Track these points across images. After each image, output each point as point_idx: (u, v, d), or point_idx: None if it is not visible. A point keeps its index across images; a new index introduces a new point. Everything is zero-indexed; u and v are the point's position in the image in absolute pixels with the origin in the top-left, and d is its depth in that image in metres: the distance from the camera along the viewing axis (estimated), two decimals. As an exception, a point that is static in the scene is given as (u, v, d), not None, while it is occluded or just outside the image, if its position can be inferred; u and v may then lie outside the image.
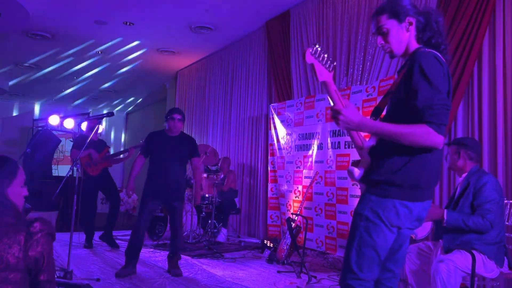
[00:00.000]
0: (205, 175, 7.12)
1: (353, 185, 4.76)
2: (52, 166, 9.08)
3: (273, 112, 6.20)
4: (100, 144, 5.84)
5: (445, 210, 2.80)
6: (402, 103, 1.77)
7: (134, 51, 8.64)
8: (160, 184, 4.21)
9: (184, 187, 4.49)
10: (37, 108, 13.73)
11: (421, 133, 1.67)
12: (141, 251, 4.31)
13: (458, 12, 4.08)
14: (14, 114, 13.36)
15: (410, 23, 1.88)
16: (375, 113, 1.95)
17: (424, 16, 1.89)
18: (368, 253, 1.79)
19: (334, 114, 1.71)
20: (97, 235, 5.86)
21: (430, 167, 1.80)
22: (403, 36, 1.90)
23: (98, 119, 5.06)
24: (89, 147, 5.67)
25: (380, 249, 1.80)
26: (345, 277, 1.82)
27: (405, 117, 1.73)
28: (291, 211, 5.55)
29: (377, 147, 1.85)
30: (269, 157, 6.33)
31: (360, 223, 1.81)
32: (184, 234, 6.09)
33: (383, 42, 1.91)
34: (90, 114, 10.29)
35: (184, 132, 4.64)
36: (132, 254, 4.17)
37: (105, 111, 11.28)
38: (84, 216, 5.67)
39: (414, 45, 1.91)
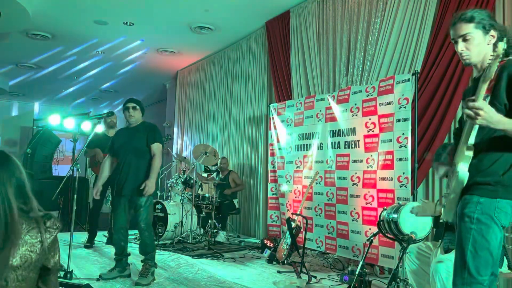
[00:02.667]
0: (205, 175, 7.12)
1: (353, 185, 4.76)
2: (52, 166, 9.09)
3: (273, 112, 6.20)
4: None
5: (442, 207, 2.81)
6: (496, 107, 1.82)
7: (134, 51, 8.64)
8: (117, 179, 4.01)
9: (141, 181, 3.94)
10: (37, 108, 13.73)
11: None
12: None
13: (458, 12, 4.07)
14: (14, 114, 13.37)
15: (493, 37, 1.97)
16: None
17: (503, 32, 2.00)
18: (484, 256, 1.82)
19: (475, 109, 1.71)
20: (98, 236, 5.87)
21: None
22: (484, 47, 1.98)
23: (99, 119, 5.07)
24: (98, 145, 5.72)
25: (494, 250, 1.84)
26: (464, 280, 1.85)
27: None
28: (291, 211, 5.55)
29: (482, 146, 1.89)
30: (269, 157, 6.33)
31: (472, 226, 1.84)
32: (184, 234, 6.09)
33: (464, 49, 1.99)
34: (91, 114, 10.28)
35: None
36: (116, 254, 4.08)
37: (105, 111, 11.31)
38: (89, 216, 5.72)
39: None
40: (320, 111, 5.35)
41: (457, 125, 4.14)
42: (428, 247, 2.96)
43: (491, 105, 1.85)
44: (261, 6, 6.39)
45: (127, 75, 10.37)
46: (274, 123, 6.17)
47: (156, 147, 4.03)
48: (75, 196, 4.07)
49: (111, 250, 5.49)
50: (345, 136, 4.94)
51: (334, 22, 5.69)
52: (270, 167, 6.26)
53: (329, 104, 5.19)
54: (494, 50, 1.97)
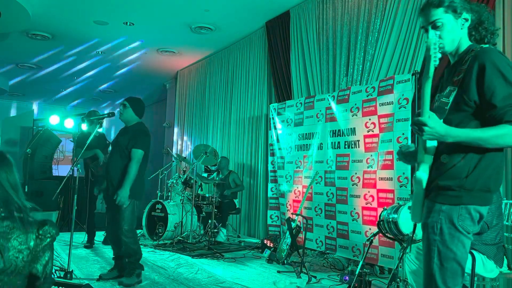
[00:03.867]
0: (205, 175, 7.12)
1: (353, 185, 4.76)
2: (52, 166, 9.09)
3: (273, 112, 6.20)
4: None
5: None
6: (464, 102, 1.71)
7: (134, 51, 8.64)
8: (106, 179, 3.98)
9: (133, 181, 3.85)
10: (36, 108, 13.73)
11: (505, 135, 1.61)
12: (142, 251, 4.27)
13: None
14: (14, 114, 13.37)
15: (466, 20, 1.81)
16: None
17: (478, 13, 1.82)
18: (451, 267, 1.71)
19: (418, 125, 1.64)
20: (97, 235, 5.87)
21: (499, 169, 1.73)
22: (458, 33, 1.81)
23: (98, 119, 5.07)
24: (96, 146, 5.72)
25: (463, 260, 1.73)
26: None
27: (468, 116, 1.70)
28: (291, 211, 5.55)
29: (442, 149, 1.75)
30: (269, 157, 6.33)
31: (435, 238, 1.72)
32: (184, 234, 6.09)
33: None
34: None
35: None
36: (114, 254, 4.05)
37: (106, 111, 11.31)
38: (87, 216, 5.72)
39: (466, 43, 1.83)
40: (320, 111, 5.35)
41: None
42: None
43: (459, 99, 1.71)
44: (261, 6, 6.39)
45: (127, 75, 10.37)
46: (274, 123, 6.17)
47: (134, 153, 3.82)
48: (76, 196, 4.07)
49: (110, 250, 5.51)
50: (345, 136, 4.94)
51: (334, 22, 5.69)
52: (270, 167, 6.27)
53: (329, 104, 5.19)
54: (471, 35, 1.83)
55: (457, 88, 1.71)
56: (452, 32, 1.80)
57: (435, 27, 1.79)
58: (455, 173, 1.70)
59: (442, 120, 1.71)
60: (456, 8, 1.78)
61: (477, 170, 1.69)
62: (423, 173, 1.74)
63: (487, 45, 1.78)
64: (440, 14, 1.78)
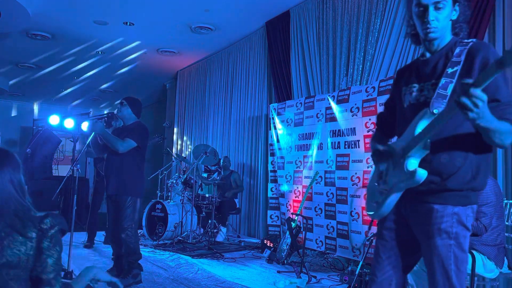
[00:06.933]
0: (205, 175, 7.12)
1: (353, 185, 4.76)
2: (52, 166, 9.09)
3: (273, 112, 6.20)
4: None
5: None
6: None
7: (134, 51, 8.64)
8: (105, 177, 4.00)
9: (123, 179, 3.83)
10: (36, 108, 13.73)
11: (508, 132, 1.52)
12: (141, 251, 4.28)
13: (458, 12, 4.08)
14: (14, 114, 13.36)
15: (456, 12, 1.75)
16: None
17: (463, 9, 1.76)
18: (465, 269, 1.68)
19: (475, 99, 1.38)
20: (98, 235, 5.88)
21: (489, 167, 1.72)
22: (448, 22, 1.74)
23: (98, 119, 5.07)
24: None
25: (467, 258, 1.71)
26: None
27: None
28: (291, 211, 5.55)
29: (443, 144, 1.66)
30: (269, 157, 6.33)
31: (451, 242, 1.64)
32: (184, 234, 6.09)
33: (434, 19, 1.69)
34: (91, 114, 10.29)
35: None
36: (113, 254, 4.05)
37: (105, 111, 11.28)
38: (89, 215, 5.75)
39: (449, 35, 1.78)
40: (320, 111, 5.35)
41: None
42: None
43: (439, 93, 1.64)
44: (261, 6, 6.39)
45: (127, 75, 10.36)
46: (274, 123, 6.17)
47: (126, 140, 3.81)
48: (75, 196, 4.07)
49: (110, 250, 5.50)
50: (345, 136, 4.94)
51: (334, 22, 5.69)
52: (270, 167, 6.27)
53: (329, 104, 5.19)
54: (455, 29, 1.75)
55: (455, 80, 1.64)
56: (446, 20, 1.73)
57: (437, 8, 1.69)
58: (463, 174, 1.64)
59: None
60: None
61: (481, 170, 1.66)
62: (424, 170, 1.63)
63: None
64: None
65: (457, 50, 1.69)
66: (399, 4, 4.77)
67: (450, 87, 1.63)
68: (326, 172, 5.15)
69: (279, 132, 6.05)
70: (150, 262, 4.81)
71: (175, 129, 10.24)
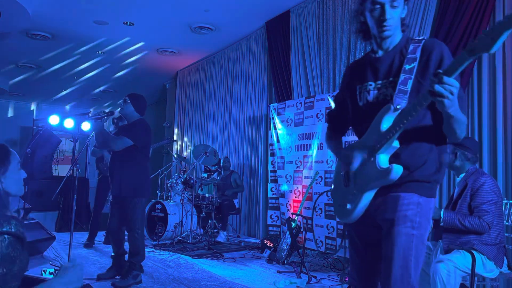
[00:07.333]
0: (205, 175, 7.11)
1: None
2: (52, 166, 9.08)
3: (273, 112, 6.20)
4: None
5: (442, 209, 2.82)
6: (423, 89, 1.62)
7: (134, 51, 8.64)
8: (109, 177, 3.95)
9: (125, 179, 3.79)
10: (36, 108, 13.73)
11: (465, 123, 1.56)
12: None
13: (458, 12, 4.08)
14: (14, 114, 13.36)
15: (405, 9, 1.75)
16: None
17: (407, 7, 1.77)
18: (421, 264, 1.63)
19: (450, 87, 1.40)
20: (98, 236, 5.88)
21: (447, 160, 1.73)
22: (399, 21, 1.75)
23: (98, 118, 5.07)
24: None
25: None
26: None
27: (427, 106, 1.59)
28: (291, 211, 5.55)
29: (409, 137, 1.65)
30: (269, 157, 6.33)
31: (413, 232, 1.61)
32: (184, 234, 6.09)
33: (391, 17, 1.70)
34: (90, 114, 10.28)
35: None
36: (113, 253, 4.05)
37: (106, 111, 11.29)
38: (92, 215, 5.76)
39: (400, 32, 1.78)
40: (320, 111, 5.35)
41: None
42: (428, 247, 2.96)
43: (418, 87, 1.65)
44: (261, 6, 6.39)
45: (127, 75, 10.36)
46: (274, 123, 6.17)
47: (121, 138, 3.76)
48: (75, 196, 4.07)
49: (111, 250, 5.50)
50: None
51: (334, 22, 5.69)
52: (270, 167, 6.27)
53: (329, 104, 5.19)
54: (402, 26, 1.76)
55: (413, 76, 1.65)
56: (399, 18, 1.74)
57: (393, 6, 1.69)
58: (428, 166, 1.66)
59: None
60: None
61: (443, 163, 1.69)
62: (400, 167, 1.59)
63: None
64: None
65: (411, 48, 1.70)
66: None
67: (410, 82, 1.64)
68: (326, 172, 5.15)
69: (279, 132, 6.06)
70: (150, 262, 4.81)
71: (175, 129, 10.24)
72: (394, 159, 1.65)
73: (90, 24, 7.20)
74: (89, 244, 5.65)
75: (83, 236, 5.89)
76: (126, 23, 7.14)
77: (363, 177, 1.71)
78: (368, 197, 1.70)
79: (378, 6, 1.70)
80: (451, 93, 1.39)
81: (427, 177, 1.66)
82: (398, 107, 1.62)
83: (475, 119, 3.99)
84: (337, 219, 4.98)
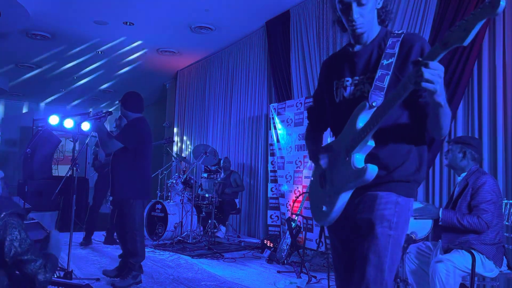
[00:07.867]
0: (205, 175, 7.12)
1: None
2: (52, 166, 9.08)
3: (273, 112, 6.20)
4: None
5: (441, 209, 2.82)
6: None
7: (134, 51, 8.64)
8: (110, 177, 3.92)
9: (119, 181, 3.78)
10: (36, 108, 13.73)
11: (450, 115, 1.50)
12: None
13: (458, 12, 4.08)
14: (14, 114, 13.36)
15: (378, 3, 1.68)
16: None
17: None
18: (396, 266, 1.57)
19: (438, 72, 1.33)
20: (98, 236, 5.88)
21: (427, 160, 1.67)
22: (374, 13, 1.69)
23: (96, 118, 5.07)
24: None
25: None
26: None
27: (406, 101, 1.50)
28: (291, 211, 5.55)
29: (386, 135, 1.59)
30: (269, 157, 6.33)
31: (390, 233, 1.54)
32: (184, 234, 6.09)
33: (359, 16, 1.63)
34: (90, 114, 10.28)
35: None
36: (121, 253, 4.06)
37: (105, 111, 11.28)
38: (88, 215, 5.77)
39: (377, 26, 1.72)
40: (320, 111, 5.34)
41: (457, 125, 4.16)
42: (428, 247, 2.96)
43: (396, 83, 1.55)
44: (261, 6, 6.39)
45: (127, 75, 10.37)
46: (274, 123, 6.17)
47: (112, 141, 3.71)
48: (75, 196, 4.06)
49: (110, 250, 5.50)
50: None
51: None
52: (270, 167, 6.27)
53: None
54: (380, 16, 1.70)
55: (391, 72, 1.59)
56: (372, 12, 1.67)
57: (360, 4, 1.62)
58: (408, 166, 1.60)
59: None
60: None
61: (423, 162, 1.64)
62: (375, 167, 1.52)
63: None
64: None
65: (390, 42, 1.64)
66: (399, 4, 4.77)
67: (387, 79, 1.58)
68: (326, 172, 5.15)
69: (279, 132, 6.05)
70: (150, 262, 4.81)
71: (175, 129, 10.24)
72: (372, 159, 1.57)
73: (90, 24, 7.20)
74: (85, 243, 5.65)
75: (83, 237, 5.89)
76: (126, 23, 7.14)
77: (339, 177, 1.64)
78: (344, 198, 1.63)
79: (344, 6, 1.65)
80: (440, 77, 1.32)
81: (406, 176, 1.61)
82: (373, 104, 1.54)
83: (475, 119, 3.98)
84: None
